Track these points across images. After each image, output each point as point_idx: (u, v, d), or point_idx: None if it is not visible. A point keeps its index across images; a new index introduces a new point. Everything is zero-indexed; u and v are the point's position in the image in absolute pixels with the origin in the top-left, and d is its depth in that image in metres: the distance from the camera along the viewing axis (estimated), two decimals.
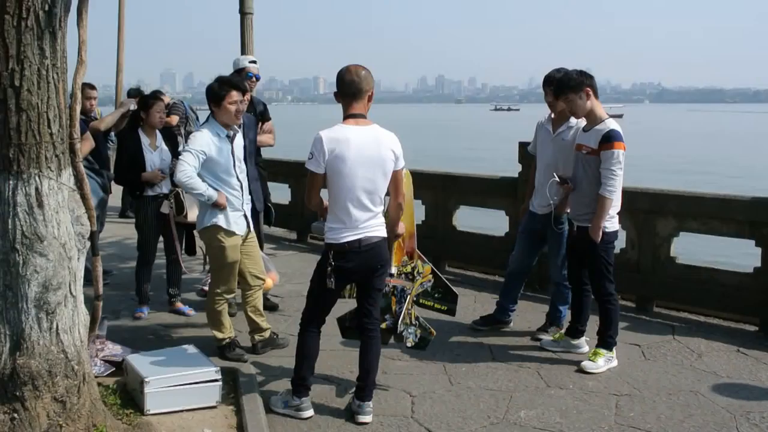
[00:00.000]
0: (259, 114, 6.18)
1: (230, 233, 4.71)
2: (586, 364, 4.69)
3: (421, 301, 4.64)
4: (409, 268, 4.57)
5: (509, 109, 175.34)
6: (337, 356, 4.86)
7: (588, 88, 4.63)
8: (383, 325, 4.35)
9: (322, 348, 4.19)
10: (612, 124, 4.60)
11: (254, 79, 6.05)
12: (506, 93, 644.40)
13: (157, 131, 5.75)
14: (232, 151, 4.73)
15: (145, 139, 5.60)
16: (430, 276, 4.64)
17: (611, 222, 4.69)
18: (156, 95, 6.02)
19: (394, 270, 4.46)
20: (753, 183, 19.72)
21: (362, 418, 3.96)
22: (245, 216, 4.84)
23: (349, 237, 3.82)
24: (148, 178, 5.57)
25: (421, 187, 7.63)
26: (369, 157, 3.76)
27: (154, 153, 5.59)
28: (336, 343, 4.95)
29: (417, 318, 4.56)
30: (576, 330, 5.04)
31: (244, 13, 9.15)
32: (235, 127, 4.83)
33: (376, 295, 4.08)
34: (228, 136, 4.72)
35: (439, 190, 7.53)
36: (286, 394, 4.13)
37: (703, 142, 45.19)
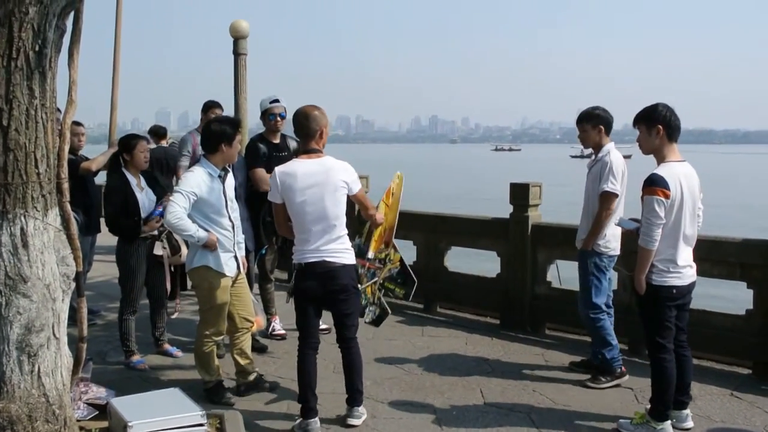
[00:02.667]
0: (294, 152, 6.13)
1: (220, 274, 4.67)
2: (622, 423, 4.39)
3: (386, 284, 5.17)
4: (383, 255, 5.16)
5: (510, 150, 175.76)
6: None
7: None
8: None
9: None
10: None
11: (279, 118, 6.05)
12: (499, 133, 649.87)
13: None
14: (223, 190, 4.71)
15: (132, 180, 5.53)
16: (398, 264, 5.18)
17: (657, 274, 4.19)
18: (138, 136, 5.91)
19: (371, 255, 5.14)
20: (742, 224, 19.84)
21: (351, 421, 4.37)
22: (236, 257, 4.80)
23: (309, 259, 4.22)
24: (147, 230, 5.43)
25: (412, 228, 7.65)
26: (316, 184, 4.18)
27: (142, 193, 5.54)
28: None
29: (379, 299, 5.14)
30: (675, 401, 4.35)
31: (237, 53, 9.21)
32: (227, 166, 4.82)
33: (346, 320, 4.36)
34: (220, 176, 4.70)
35: (430, 231, 7.52)
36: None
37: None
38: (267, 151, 5.97)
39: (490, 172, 61.93)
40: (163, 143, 8.50)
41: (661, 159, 4.20)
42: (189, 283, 5.81)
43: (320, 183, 4.19)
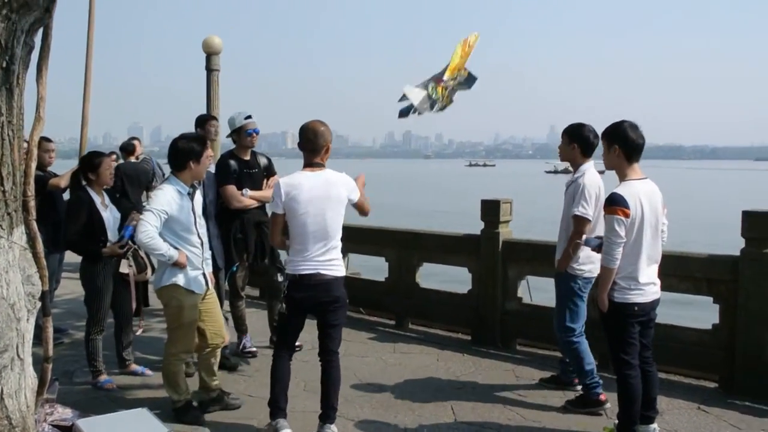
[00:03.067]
0: (264, 169, 6.14)
1: (189, 292, 4.63)
2: None
3: (455, 87, 6.24)
4: (455, 76, 6.23)
5: (485, 165, 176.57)
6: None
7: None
8: None
9: None
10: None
11: (255, 134, 6.01)
12: (472, 149, 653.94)
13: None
14: (192, 208, 4.68)
15: (96, 198, 5.42)
16: (466, 72, 6.29)
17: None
18: (106, 154, 5.83)
19: (446, 77, 6.18)
20: (709, 238, 20.13)
21: None
22: (204, 274, 4.78)
23: (304, 270, 4.29)
24: (109, 253, 5.34)
25: (384, 245, 7.68)
26: (319, 197, 4.28)
27: (107, 211, 5.45)
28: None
29: (447, 96, 6.21)
30: (642, 416, 4.36)
31: (210, 69, 9.23)
32: (196, 183, 4.80)
33: (332, 332, 4.42)
34: (189, 193, 4.68)
35: (403, 247, 7.54)
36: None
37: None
38: (238, 168, 5.95)
39: (465, 187, 62.10)
40: (132, 159, 8.42)
41: (621, 177, 4.23)
42: (152, 300, 5.73)
43: (323, 197, 4.28)
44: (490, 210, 6.70)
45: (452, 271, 7.49)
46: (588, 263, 5.00)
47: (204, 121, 6.37)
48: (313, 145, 4.35)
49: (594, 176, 5.10)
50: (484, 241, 6.73)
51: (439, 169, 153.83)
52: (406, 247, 7.52)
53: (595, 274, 4.98)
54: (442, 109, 6.25)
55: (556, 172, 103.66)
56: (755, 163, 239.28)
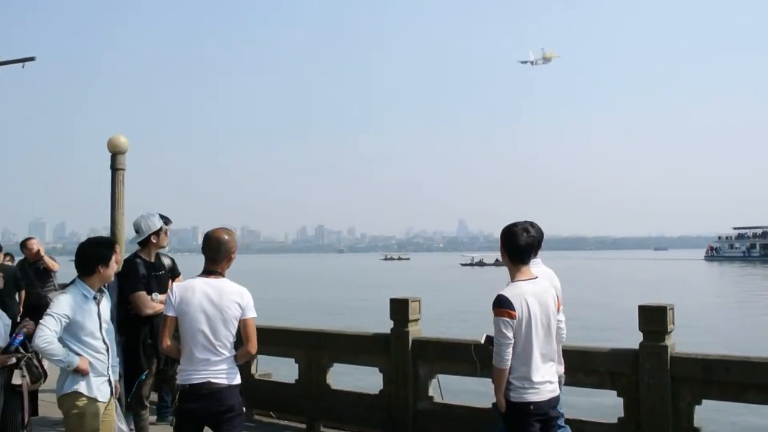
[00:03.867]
0: (169, 270, 6.01)
1: (93, 400, 4.43)
2: None
3: None
4: None
5: (400, 258, 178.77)
6: None
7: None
8: None
9: None
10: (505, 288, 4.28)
11: (167, 234, 5.97)
12: (385, 242, 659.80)
13: None
14: (98, 312, 4.52)
15: None
16: None
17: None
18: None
19: None
20: (614, 325, 20.77)
21: None
22: (109, 381, 4.56)
23: (193, 380, 4.17)
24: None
25: (293, 345, 7.53)
26: (210, 305, 4.21)
27: None
28: None
29: None
30: None
31: (115, 168, 9.05)
32: (103, 287, 4.67)
33: None
34: (95, 298, 4.53)
35: (313, 347, 7.41)
36: None
37: (568, 288, 47.33)
38: (146, 272, 5.82)
39: (381, 281, 62.16)
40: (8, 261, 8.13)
41: (510, 278, 4.28)
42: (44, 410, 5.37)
43: (216, 304, 4.22)
44: (399, 308, 6.71)
45: (365, 370, 7.40)
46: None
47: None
48: (214, 254, 4.35)
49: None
50: (393, 340, 6.71)
51: (357, 262, 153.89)
52: (316, 347, 7.39)
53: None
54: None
55: (472, 264, 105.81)
56: (655, 253, 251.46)
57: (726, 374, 5.28)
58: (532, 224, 4.47)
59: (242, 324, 4.29)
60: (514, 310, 4.07)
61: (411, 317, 6.66)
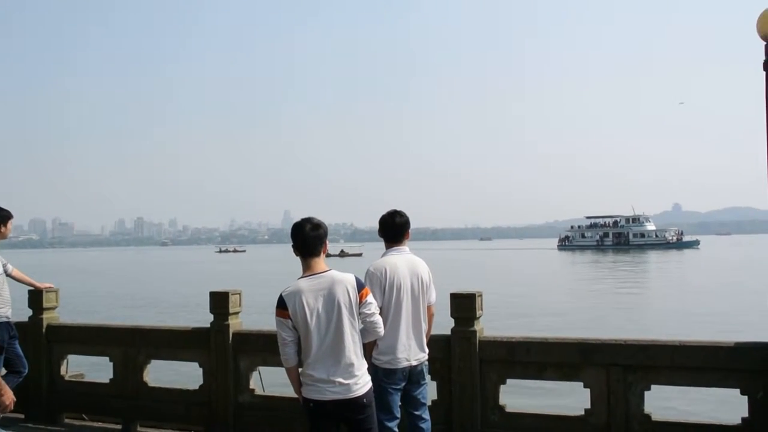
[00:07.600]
0: None
1: None
2: None
3: None
4: None
5: (235, 251, 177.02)
6: None
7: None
8: None
9: None
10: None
11: None
12: (208, 234, 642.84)
13: None
14: None
15: None
16: None
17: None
18: None
19: None
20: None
21: None
22: None
23: None
24: None
25: (107, 344, 7.18)
26: None
27: None
28: None
29: None
30: None
31: None
32: None
33: None
34: None
35: (129, 345, 7.10)
36: None
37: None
38: None
39: (215, 275, 60.11)
40: None
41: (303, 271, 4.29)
42: None
43: None
44: (219, 302, 6.60)
45: (186, 366, 7.20)
46: (389, 353, 4.83)
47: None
48: None
49: (379, 264, 4.96)
50: (214, 334, 6.59)
51: (187, 256, 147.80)
52: (132, 345, 7.09)
53: (397, 366, 4.85)
54: None
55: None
56: (480, 243, 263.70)
57: (527, 354, 5.70)
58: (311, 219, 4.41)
59: None
60: (287, 310, 4.10)
61: (231, 310, 6.57)
